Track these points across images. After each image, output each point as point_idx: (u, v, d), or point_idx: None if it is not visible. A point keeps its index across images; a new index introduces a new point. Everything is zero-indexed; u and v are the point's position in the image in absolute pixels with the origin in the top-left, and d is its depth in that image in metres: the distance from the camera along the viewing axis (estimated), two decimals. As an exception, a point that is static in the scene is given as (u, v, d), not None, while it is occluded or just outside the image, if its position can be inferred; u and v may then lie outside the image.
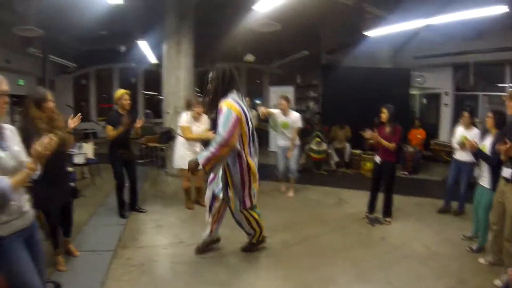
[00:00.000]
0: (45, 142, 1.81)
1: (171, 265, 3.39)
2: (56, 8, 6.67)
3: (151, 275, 3.20)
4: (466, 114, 4.75)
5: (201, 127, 4.70)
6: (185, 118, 4.66)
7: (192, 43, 6.82)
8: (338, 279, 3.17)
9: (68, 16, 7.01)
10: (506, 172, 3.08)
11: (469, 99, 9.10)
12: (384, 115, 4.47)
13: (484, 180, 3.63)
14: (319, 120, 8.05)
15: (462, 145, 4.11)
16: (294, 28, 7.47)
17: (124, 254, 3.56)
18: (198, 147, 4.78)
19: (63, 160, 3.30)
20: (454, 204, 4.95)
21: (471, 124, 4.71)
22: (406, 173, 7.35)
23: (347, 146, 7.77)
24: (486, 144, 3.61)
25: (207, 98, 3.20)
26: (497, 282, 3.07)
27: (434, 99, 9.83)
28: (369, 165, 6.88)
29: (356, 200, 5.36)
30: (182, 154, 4.69)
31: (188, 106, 4.88)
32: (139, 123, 4.63)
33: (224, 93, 3.05)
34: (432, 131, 8.97)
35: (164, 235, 4.07)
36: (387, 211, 4.60)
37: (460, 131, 4.75)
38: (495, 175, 3.43)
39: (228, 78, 3.09)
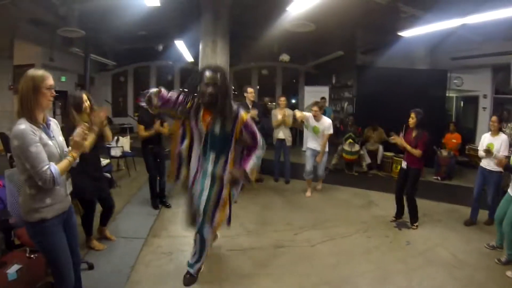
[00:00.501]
0: (81, 132, 2.01)
1: (198, 255, 3.54)
2: (98, 11, 7.07)
3: (179, 263, 3.34)
4: (494, 118, 4.48)
5: None
6: None
7: (228, 42, 6.97)
8: (360, 281, 3.18)
9: (109, 18, 7.39)
10: None
11: (509, 103, 8.68)
12: (412, 119, 4.36)
13: None
14: (353, 121, 7.98)
15: (487, 152, 3.91)
16: (329, 28, 7.46)
17: (155, 242, 3.75)
18: None
19: (97, 152, 3.53)
20: (483, 214, 4.72)
21: (499, 129, 4.46)
22: (438, 178, 7.15)
23: (380, 148, 7.65)
24: None
25: (223, 101, 2.66)
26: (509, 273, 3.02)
27: (471, 102, 9.44)
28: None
29: (385, 203, 5.31)
30: None
31: None
32: (165, 129, 4.68)
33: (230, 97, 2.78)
34: (468, 135, 8.64)
35: (193, 227, 4.23)
36: (413, 217, 4.53)
37: (487, 138, 4.54)
38: None
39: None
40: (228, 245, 3.72)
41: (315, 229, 4.30)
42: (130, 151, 6.69)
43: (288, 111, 6.14)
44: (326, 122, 5.42)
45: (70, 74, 10.02)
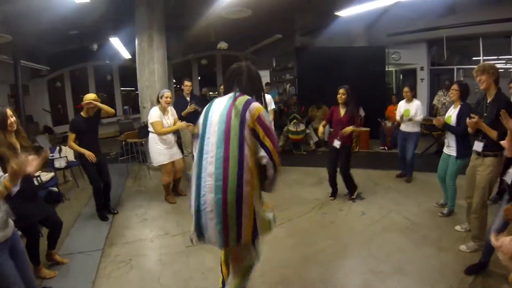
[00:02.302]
0: (22, 161, 1.83)
1: (159, 257, 3.45)
2: (24, 12, 6.47)
3: (140, 268, 3.24)
4: (406, 89, 5.20)
5: (170, 119, 4.72)
6: (154, 113, 4.60)
7: (164, 35, 6.76)
8: (321, 257, 3.27)
9: (37, 19, 6.79)
10: (477, 145, 3.19)
11: (445, 73, 9.31)
12: (344, 96, 4.47)
13: (451, 149, 3.81)
14: (296, 101, 8.12)
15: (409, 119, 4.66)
16: (265, 12, 7.42)
17: (112, 251, 3.59)
18: (172, 139, 4.78)
19: (30, 176, 3.10)
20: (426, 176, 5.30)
21: (412, 97, 5.16)
22: (385, 148, 7.52)
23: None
24: (452, 115, 3.78)
25: None
26: (463, 247, 3.25)
27: (410, 74, 10.00)
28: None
29: (337, 179, 5.36)
30: (159, 150, 4.69)
31: (157, 100, 4.77)
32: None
33: None
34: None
35: (150, 228, 4.12)
36: (354, 189, 4.69)
37: (403, 105, 5.22)
38: (461, 144, 3.67)
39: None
40: (188, 241, 3.63)
41: (270, 213, 4.33)
42: (75, 160, 6.30)
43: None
44: (266, 97, 5.40)
45: (0, 85, 9.20)
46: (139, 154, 7.38)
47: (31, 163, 1.99)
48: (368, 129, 7.72)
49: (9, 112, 2.66)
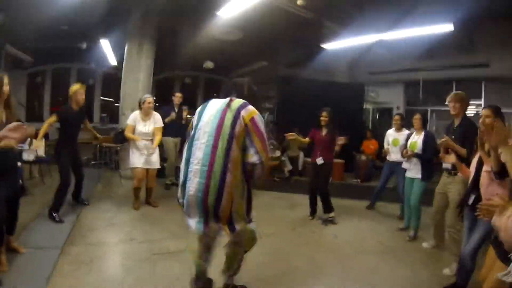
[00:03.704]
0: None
1: (122, 262, 3.32)
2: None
3: (101, 271, 3.10)
4: (397, 117, 5.15)
5: (147, 126, 4.72)
6: (131, 116, 4.74)
7: (154, 46, 6.78)
8: (295, 275, 3.24)
9: (29, 7, 6.66)
10: (447, 164, 3.42)
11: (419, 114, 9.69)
12: (326, 118, 4.69)
13: (414, 172, 4.11)
14: (272, 130, 8.27)
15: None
16: (254, 38, 7.63)
17: (73, 251, 3.42)
18: (150, 147, 4.75)
19: (12, 152, 3.09)
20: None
21: (401, 126, 5.10)
22: (358, 180, 7.67)
23: (301, 154, 8.01)
24: (418, 141, 4.14)
25: None
26: (446, 271, 3.34)
27: (386, 113, 10.37)
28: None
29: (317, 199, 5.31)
30: (135, 154, 4.74)
31: (139, 105, 4.84)
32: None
33: None
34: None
35: (116, 233, 3.98)
36: (330, 208, 4.77)
37: (391, 134, 5.16)
38: (426, 168, 4.00)
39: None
40: (155, 249, 3.57)
41: (239, 233, 4.28)
42: (45, 157, 6.08)
43: None
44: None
45: (-22, 67, 8.85)
46: (112, 161, 7.21)
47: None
48: (343, 161, 7.88)
49: (5, 79, 2.65)
